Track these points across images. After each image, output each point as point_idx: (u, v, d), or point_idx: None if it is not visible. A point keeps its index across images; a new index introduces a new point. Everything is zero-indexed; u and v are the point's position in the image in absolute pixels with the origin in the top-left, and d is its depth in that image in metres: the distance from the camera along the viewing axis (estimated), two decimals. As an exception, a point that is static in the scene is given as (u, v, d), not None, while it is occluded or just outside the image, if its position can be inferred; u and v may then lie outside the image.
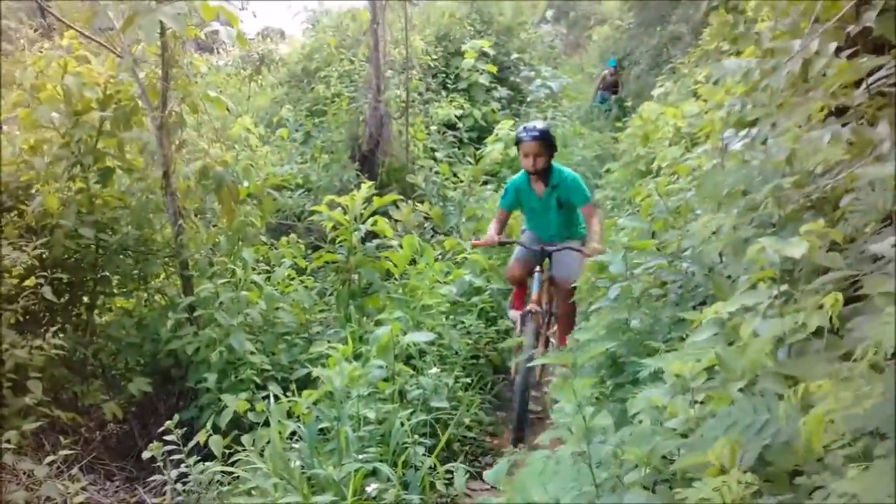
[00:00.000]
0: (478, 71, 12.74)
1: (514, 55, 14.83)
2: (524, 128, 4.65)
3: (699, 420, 1.91)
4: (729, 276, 2.66)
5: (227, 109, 5.82)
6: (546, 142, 4.60)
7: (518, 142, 4.64)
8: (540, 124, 4.67)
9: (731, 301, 1.94)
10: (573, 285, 4.08)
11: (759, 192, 2.35)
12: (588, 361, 3.10)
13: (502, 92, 13.46)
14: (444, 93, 12.32)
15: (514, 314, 4.94)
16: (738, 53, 4.03)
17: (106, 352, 5.01)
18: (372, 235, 6.00)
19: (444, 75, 12.88)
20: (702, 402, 1.98)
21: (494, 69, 13.08)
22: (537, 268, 4.74)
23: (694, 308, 2.97)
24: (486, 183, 9.16)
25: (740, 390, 1.81)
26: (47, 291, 4.37)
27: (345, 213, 5.60)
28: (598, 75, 16.31)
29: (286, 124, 9.81)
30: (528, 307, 4.63)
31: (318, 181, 8.07)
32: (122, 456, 4.55)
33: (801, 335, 1.71)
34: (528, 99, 13.90)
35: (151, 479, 3.50)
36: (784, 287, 1.87)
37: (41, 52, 5.28)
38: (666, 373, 2.17)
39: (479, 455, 4.43)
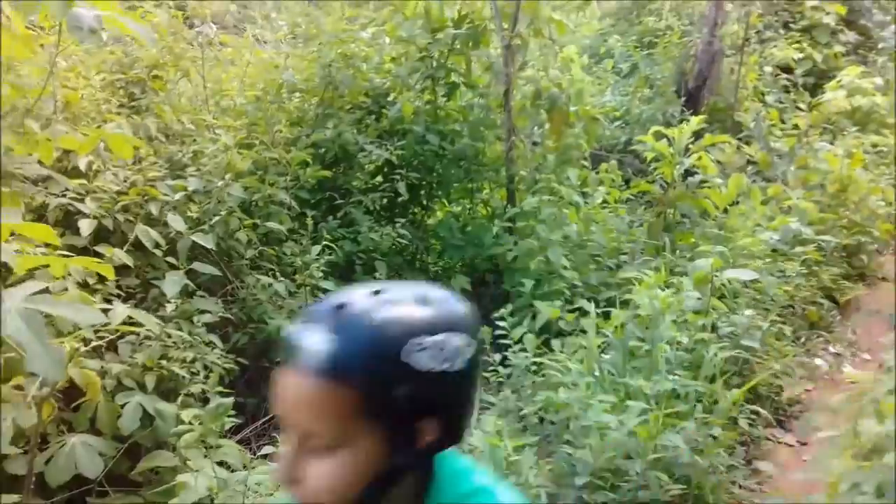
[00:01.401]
0: (824, 11, 11.53)
1: (870, -4, 13.12)
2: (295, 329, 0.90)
3: None
4: None
5: (552, 39, 6.04)
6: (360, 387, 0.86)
7: None
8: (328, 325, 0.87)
9: None
10: None
11: None
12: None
13: (849, 35, 12.06)
14: (782, 31, 11.38)
15: None
16: None
17: (433, 250, 5.58)
18: (688, 173, 5.88)
19: (785, 12, 11.86)
20: None
21: (844, 10, 11.73)
22: None
23: None
24: (822, 133, 8.40)
25: None
26: (402, 187, 4.98)
27: (670, 145, 5.55)
28: None
29: (612, 55, 9.77)
30: None
31: (638, 114, 8.02)
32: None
33: None
34: (880, 46, 12.31)
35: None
36: None
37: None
38: None
39: (783, 405, 4.30)
